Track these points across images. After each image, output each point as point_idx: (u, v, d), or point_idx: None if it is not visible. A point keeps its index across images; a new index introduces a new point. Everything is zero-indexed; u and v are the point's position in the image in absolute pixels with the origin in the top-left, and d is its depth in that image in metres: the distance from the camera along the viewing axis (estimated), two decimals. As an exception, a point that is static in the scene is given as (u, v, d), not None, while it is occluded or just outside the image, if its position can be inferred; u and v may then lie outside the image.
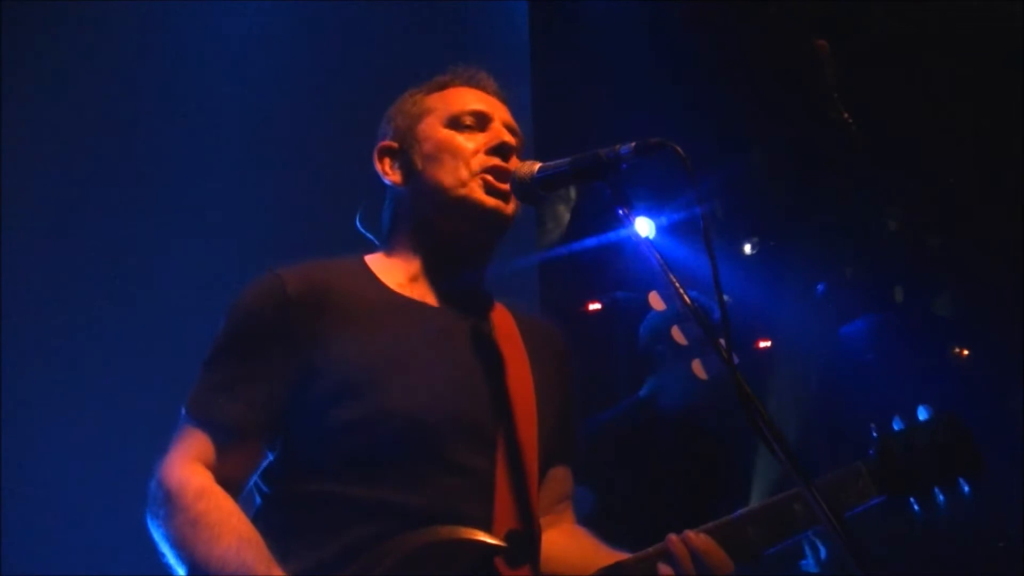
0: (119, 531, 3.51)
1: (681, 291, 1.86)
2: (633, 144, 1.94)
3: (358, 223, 2.34)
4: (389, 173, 2.26)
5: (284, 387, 2.04)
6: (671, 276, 1.88)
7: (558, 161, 2.05)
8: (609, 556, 2.17)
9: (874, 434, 2.22)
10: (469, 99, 2.27)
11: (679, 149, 1.88)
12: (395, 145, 2.27)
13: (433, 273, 2.21)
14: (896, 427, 2.23)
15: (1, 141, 3.68)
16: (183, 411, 2.08)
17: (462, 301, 2.22)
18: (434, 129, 2.23)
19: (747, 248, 7.03)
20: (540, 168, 2.06)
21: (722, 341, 1.82)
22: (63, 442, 3.58)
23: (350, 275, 2.17)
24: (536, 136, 4.83)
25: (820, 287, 6.82)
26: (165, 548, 1.98)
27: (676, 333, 3.49)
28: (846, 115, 4.45)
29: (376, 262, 2.24)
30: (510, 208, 2.19)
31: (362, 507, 1.99)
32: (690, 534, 2.06)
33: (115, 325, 3.78)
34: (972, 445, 2.19)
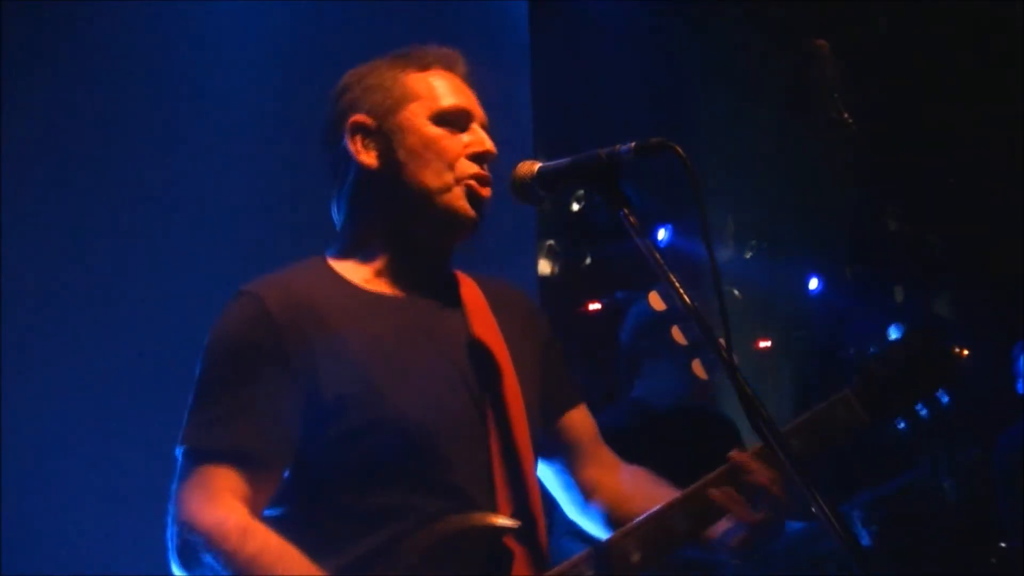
0: (119, 531, 3.52)
1: (681, 291, 1.86)
2: (633, 144, 1.93)
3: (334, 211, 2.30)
4: (362, 152, 2.18)
5: (285, 407, 2.01)
6: (671, 276, 1.88)
7: (558, 161, 2.04)
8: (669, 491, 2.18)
9: (853, 360, 2.26)
10: (452, 92, 2.22)
11: (679, 149, 1.88)
12: (371, 122, 2.19)
13: (400, 265, 2.18)
14: (873, 351, 2.29)
15: (1, 141, 3.67)
16: (183, 449, 2.01)
17: (430, 286, 2.20)
18: (420, 122, 2.17)
19: (747, 254, 7.05)
20: (540, 168, 2.06)
21: (722, 341, 1.82)
22: (63, 442, 3.58)
23: (320, 280, 2.14)
24: (536, 136, 4.83)
25: (817, 283, 6.82)
26: None
27: (676, 333, 3.47)
28: (846, 115, 4.45)
29: (339, 261, 2.20)
30: (481, 216, 2.18)
31: (371, 515, 1.99)
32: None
33: (115, 325, 3.77)
34: (947, 354, 2.20)
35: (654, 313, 3.52)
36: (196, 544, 1.92)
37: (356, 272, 2.17)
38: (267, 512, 2.04)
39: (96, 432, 3.63)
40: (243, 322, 2.06)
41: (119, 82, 3.94)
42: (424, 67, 2.24)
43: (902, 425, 2.21)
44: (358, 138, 2.19)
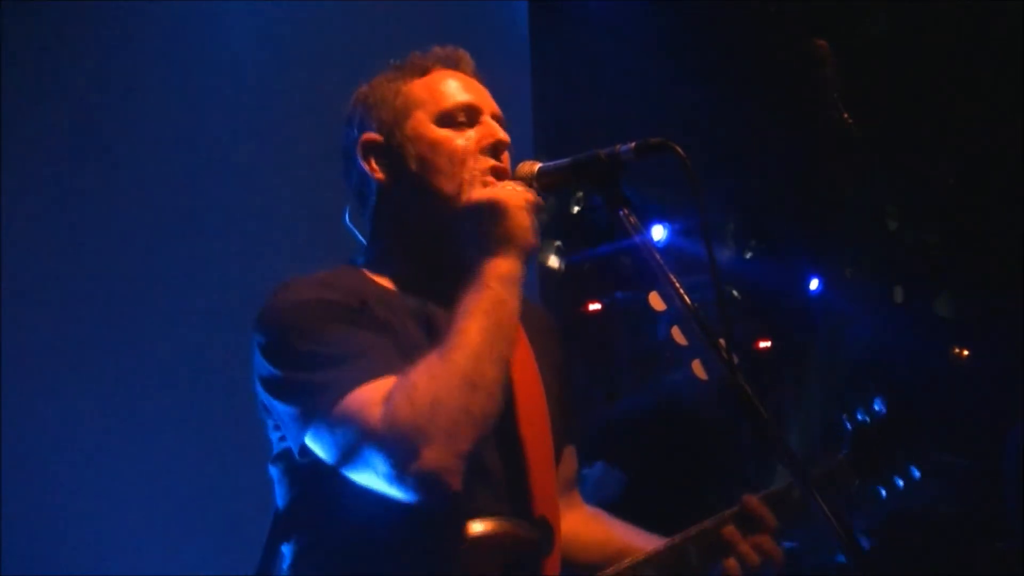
0: (119, 531, 3.53)
1: (681, 291, 1.86)
2: (633, 144, 1.93)
3: (347, 219, 2.29)
4: (376, 170, 2.16)
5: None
6: (671, 276, 1.88)
7: (558, 161, 2.04)
8: (635, 535, 2.27)
9: (847, 426, 2.46)
10: (456, 90, 2.18)
11: (679, 149, 1.88)
12: (380, 139, 2.17)
13: (431, 275, 2.15)
14: (860, 418, 2.45)
15: (1, 141, 3.67)
16: (319, 407, 1.89)
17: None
18: (425, 127, 2.14)
19: (747, 254, 7.06)
20: (540, 168, 2.05)
21: (722, 341, 1.83)
22: (63, 442, 3.58)
23: (360, 283, 2.12)
24: (536, 136, 4.83)
25: (818, 284, 6.82)
26: (438, 407, 1.82)
27: (676, 333, 3.48)
28: (846, 115, 4.46)
29: (373, 268, 2.18)
30: None
31: (394, 512, 1.95)
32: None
33: (116, 325, 3.77)
34: (919, 434, 2.44)
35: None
36: (401, 402, 1.84)
37: (391, 281, 2.15)
38: (285, 546, 2.03)
39: (96, 432, 3.62)
40: (305, 291, 2.01)
41: (120, 82, 3.94)
42: (425, 72, 2.21)
43: (883, 493, 2.43)
44: (371, 158, 2.17)
